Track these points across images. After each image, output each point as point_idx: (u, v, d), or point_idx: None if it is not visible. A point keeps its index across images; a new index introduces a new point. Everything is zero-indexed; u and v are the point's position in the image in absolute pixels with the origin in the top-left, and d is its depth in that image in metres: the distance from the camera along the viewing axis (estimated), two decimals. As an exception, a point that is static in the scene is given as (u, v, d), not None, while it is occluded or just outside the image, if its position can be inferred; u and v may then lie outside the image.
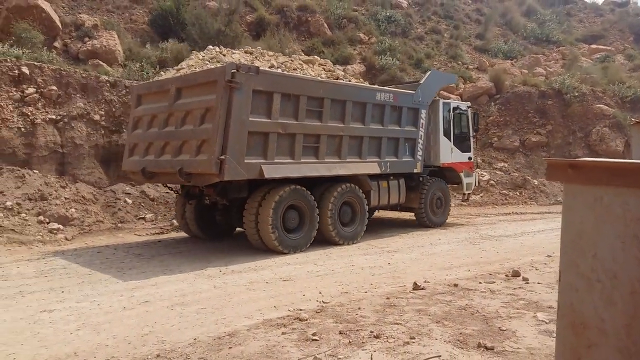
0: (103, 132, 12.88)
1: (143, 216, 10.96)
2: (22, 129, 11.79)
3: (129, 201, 11.13)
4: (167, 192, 11.94)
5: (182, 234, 10.61)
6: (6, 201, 9.54)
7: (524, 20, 32.38)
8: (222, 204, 9.01)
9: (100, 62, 15.58)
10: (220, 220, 9.96)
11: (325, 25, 22.66)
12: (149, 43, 17.86)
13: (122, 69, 15.71)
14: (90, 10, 18.68)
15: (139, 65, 15.66)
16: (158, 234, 10.43)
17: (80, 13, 18.05)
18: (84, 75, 13.41)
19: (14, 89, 12.32)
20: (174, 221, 11.11)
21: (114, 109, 13.26)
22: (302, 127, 8.71)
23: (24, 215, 9.41)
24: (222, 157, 7.59)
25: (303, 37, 22.17)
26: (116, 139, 13.00)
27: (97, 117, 12.84)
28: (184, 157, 8.13)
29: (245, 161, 7.91)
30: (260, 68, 8.12)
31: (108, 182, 12.30)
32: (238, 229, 10.29)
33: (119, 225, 10.43)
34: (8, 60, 12.57)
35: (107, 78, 13.76)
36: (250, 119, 7.92)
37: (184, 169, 7.96)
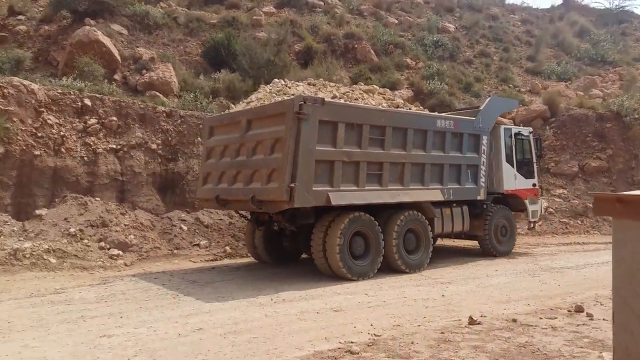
0: (160, 160, 13.42)
1: (197, 243, 11.25)
2: (85, 158, 12.46)
3: (184, 228, 11.47)
4: (220, 219, 12.23)
5: (235, 261, 10.80)
6: (70, 228, 10.05)
7: (577, 40, 31.46)
8: (290, 230, 9.31)
9: (157, 93, 16.33)
10: (288, 246, 10.30)
11: (372, 51, 22.87)
12: (202, 74, 18.60)
13: (177, 100, 16.40)
14: (147, 44, 19.68)
15: (193, 95, 16.31)
16: (212, 260, 10.66)
17: (138, 47, 19.06)
18: (142, 106, 14.07)
19: (77, 120, 13.09)
20: (227, 248, 11.33)
21: (170, 138, 13.81)
22: (365, 155, 8.93)
23: (86, 241, 9.87)
24: (292, 184, 7.86)
25: (350, 64, 22.43)
26: (172, 167, 13.51)
27: (154, 146, 13.40)
28: (256, 185, 8.52)
29: (313, 189, 8.20)
30: (325, 99, 8.42)
31: (165, 209, 12.77)
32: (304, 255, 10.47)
33: (175, 251, 10.74)
34: (72, 92, 13.40)
35: (163, 108, 14.39)
36: (317, 148, 8.25)
37: (256, 197, 8.27)
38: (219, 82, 17.90)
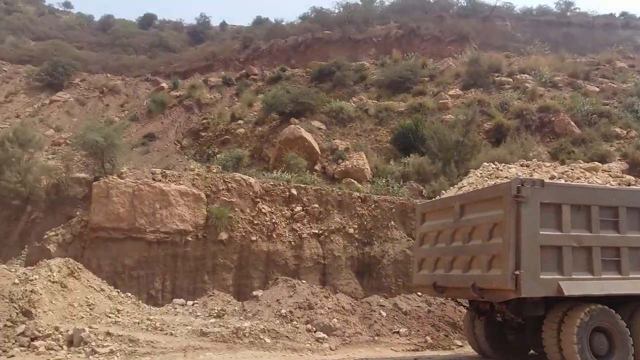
0: (357, 244, 13.96)
1: (397, 330, 11.05)
2: (292, 243, 13.61)
3: (384, 314, 11.44)
4: (418, 306, 11.94)
5: (437, 353, 10.25)
6: (281, 309, 10.83)
7: None
8: (516, 322, 8.63)
9: (352, 180, 17.38)
10: (513, 340, 9.44)
11: (572, 123, 21.13)
12: (392, 159, 19.29)
13: (370, 185, 17.17)
14: (342, 136, 21.37)
15: (384, 180, 16.94)
16: (413, 350, 10.26)
17: (334, 139, 20.83)
18: (339, 193, 15.02)
19: (286, 208, 14.50)
20: (428, 338, 10.90)
21: (365, 223, 14.32)
22: (597, 240, 8.02)
23: (295, 322, 10.47)
24: (517, 272, 7.40)
25: (547, 138, 21.01)
26: (368, 251, 13.89)
27: (351, 231, 14.04)
28: (475, 272, 8.20)
29: (541, 277, 7.56)
30: (544, 181, 7.99)
31: (363, 293, 13.05)
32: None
33: (376, 338, 10.68)
34: (281, 184, 15.01)
35: (358, 194, 15.13)
36: (540, 232, 7.68)
37: (477, 284, 7.98)
38: (409, 166, 18.32)
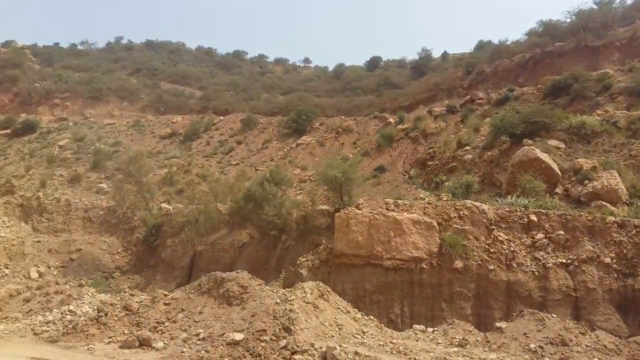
0: (616, 275, 12.15)
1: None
2: (535, 273, 12.57)
3: (660, 358, 9.63)
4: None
5: None
6: (530, 343, 10.03)
7: None
8: None
9: (604, 203, 15.24)
10: None
11: None
12: (656, 177, 16.35)
13: (627, 208, 14.83)
14: (587, 154, 19.01)
15: (647, 201, 14.46)
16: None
17: (577, 158, 18.66)
18: (589, 217, 13.39)
19: (525, 235, 13.55)
20: None
21: (625, 251, 12.42)
22: None
23: (547, 359, 9.56)
24: None
25: None
26: (632, 283, 11.95)
27: (607, 260, 12.32)
28: None
29: None
30: None
31: (628, 331, 11.19)
32: None
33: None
34: (517, 210, 14.10)
35: (613, 219, 13.25)
36: None
37: None
38: (681, 184, 15.26)
